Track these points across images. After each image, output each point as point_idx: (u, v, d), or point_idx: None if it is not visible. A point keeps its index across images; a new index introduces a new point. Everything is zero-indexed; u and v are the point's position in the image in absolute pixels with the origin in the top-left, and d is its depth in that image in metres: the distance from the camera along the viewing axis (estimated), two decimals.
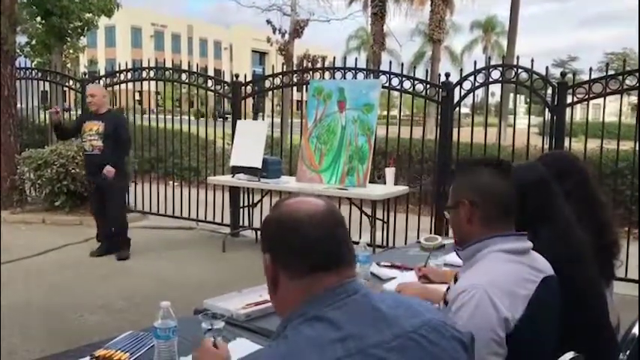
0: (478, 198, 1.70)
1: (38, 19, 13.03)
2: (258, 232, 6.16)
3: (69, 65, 17.05)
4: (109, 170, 5.69)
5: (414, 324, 1.15)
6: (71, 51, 16.34)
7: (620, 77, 5.38)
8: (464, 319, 1.52)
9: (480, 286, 1.56)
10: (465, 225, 1.73)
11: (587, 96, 5.50)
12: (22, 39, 13.30)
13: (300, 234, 1.17)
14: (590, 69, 5.59)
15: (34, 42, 13.77)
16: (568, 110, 5.66)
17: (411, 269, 2.77)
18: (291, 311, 1.16)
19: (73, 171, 7.26)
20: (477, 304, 1.53)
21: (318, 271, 1.16)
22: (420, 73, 6.53)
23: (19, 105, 8.60)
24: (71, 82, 8.82)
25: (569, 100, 5.60)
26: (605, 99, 5.51)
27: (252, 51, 59.31)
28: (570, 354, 1.65)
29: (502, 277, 1.61)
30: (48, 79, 9.07)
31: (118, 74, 8.13)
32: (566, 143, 5.64)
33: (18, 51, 11.07)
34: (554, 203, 2.00)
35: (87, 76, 9.27)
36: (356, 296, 1.15)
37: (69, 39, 13.62)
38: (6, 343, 3.79)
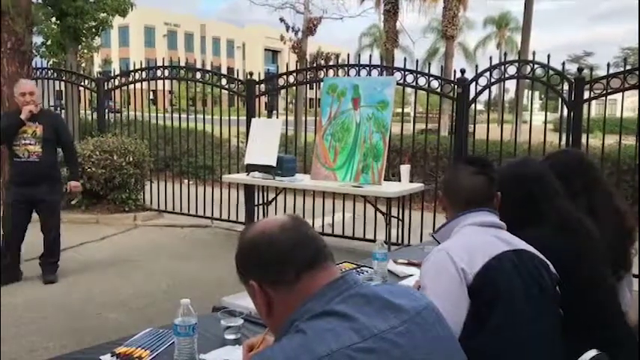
0: (446, 191, 2.00)
1: (53, 19, 13.14)
2: None
3: (83, 65, 17.18)
4: (75, 185, 5.29)
5: (416, 307, 1.20)
6: (86, 51, 16.43)
7: (638, 72, 5.32)
8: (430, 279, 1.72)
9: (440, 248, 1.77)
10: (445, 213, 2.01)
11: (605, 91, 5.44)
12: (37, 39, 13.41)
13: (277, 245, 1.20)
14: (608, 64, 5.52)
15: (49, 42, 13.87)
16: (585, 106, 5.61)
17: None
18: (292, 314, 1.16)
19: (89, 170, 7.31)
20: (438, 262, 1.73)
21: (307, 271, 1.18)
22: (433, 70, 6.49)
23: None
24: (86, 81, 8.89)
25: (586, 95, 5.55)
26: (623, 94, 5.44)
27: (265, 49, 59.48)
28: (593, 351, 1.64)
29: (464, 240, 1.80)
30: (63, 78, 9.15)
31: (133, 73, 8.19)
32: (583, 139, 5.59)
33: (34, 51, 11.16)
34: (551, 198, 2.03)
35: (102, 75, 9.34)
36: (357, 287, 1.18)
37: (83, 39, 13.71)
38: (26, 341, 3.84)
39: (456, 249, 1.73)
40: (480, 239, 1.78)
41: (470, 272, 1.66)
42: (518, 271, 1.70)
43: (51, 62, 13.68)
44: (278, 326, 1.21)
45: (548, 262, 1.80)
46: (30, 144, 4.93)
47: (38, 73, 9.01)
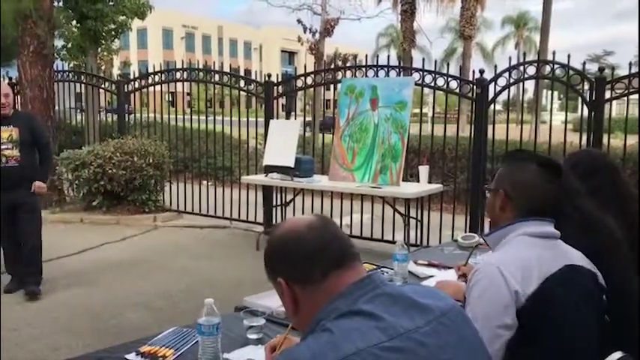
0: (514, 192, 1.78)
1: (74, 22, 13.32)
2: None
3: (103, 67, 17.39)
4: (40, 186, 4.79)
5: (442, 308, 1.20)
6: (105, 53, 16.63)
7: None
8: (477, 295, 1.61)
9: (493, 262, 1.64)
10: (498, 211, 1.82)
11: (626, 91, 5.38)
12: (58, 43, 13.60)
13: (305, 244, 1.21)
14: (630, 63, 5.47)
15: (70, 45, 14.08)
16: (606, 106, 5.54)
17: (449, 268, 2.75)
18: (318, 312, 1.17)
19: (109, 171, 7.40)
20: (489, 279, 1.60)
21: (334, 270, 1.19)
22: (451, 71, 6.47)
23: (56, 107, 8.80)
24: (106, 83, 9.01)
25: (607, 95, 5.49)
26: None
27: (282, 51, 59.62)
28: (619, 353, 1.62)
29: (519, 255, 1.66)
30: (84, 81, 9.27)
31: (152, 76, 8.27)
32: (604, 140, 5.53)
33: (55, 54, 11.33)
34: (573, 198, 2.00)
35: (121, 77, 9.44)
36: (384, 287, 1.19)
37: (103, 42, 13.89)
38: (49, 340, 3.90)
39: (509, 266, 1.60)
40: (536, 254, 1.66)
41: (523, 294, 1.57)
42: (570, 289, 1.63)
43: (71, 65, 13.86)
44: (304, 324, 1.23)
45: (597, 273, 1.73)
46: (7, 149, 4.64)
47: (59, 75, 9.15)
